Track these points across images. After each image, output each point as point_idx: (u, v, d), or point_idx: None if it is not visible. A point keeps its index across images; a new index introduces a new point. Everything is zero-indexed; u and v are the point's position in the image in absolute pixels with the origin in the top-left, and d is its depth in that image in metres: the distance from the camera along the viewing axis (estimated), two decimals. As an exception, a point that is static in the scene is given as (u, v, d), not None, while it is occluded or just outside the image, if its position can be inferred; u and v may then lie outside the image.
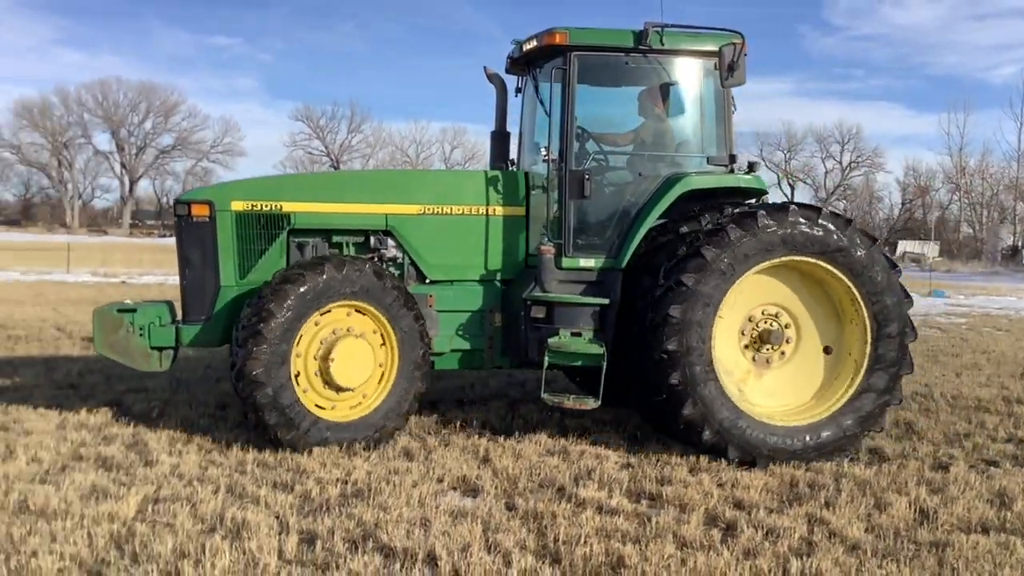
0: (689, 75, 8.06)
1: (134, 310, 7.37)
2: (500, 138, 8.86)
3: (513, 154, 8.93)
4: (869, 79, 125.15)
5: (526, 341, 7.70)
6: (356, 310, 7.18)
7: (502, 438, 7.56)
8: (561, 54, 7.71)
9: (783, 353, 7.45)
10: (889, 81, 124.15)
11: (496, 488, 6.22)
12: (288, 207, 7.66)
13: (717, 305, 6.99)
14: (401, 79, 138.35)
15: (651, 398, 7.22)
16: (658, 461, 6.95)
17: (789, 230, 7.03)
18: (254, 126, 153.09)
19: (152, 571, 4.50)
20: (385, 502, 5.78)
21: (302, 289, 6.84)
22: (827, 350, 7.45)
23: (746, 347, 7.42)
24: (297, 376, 6.97)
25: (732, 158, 7.94)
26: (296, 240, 7.81)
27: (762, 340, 7.38)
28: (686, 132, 8.31)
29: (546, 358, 7.39)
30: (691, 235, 7.17)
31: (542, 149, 7.97)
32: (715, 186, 7.73)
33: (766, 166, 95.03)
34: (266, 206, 7.61)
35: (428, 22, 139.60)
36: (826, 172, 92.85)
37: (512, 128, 8.94)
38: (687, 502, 6.00)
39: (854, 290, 7.18)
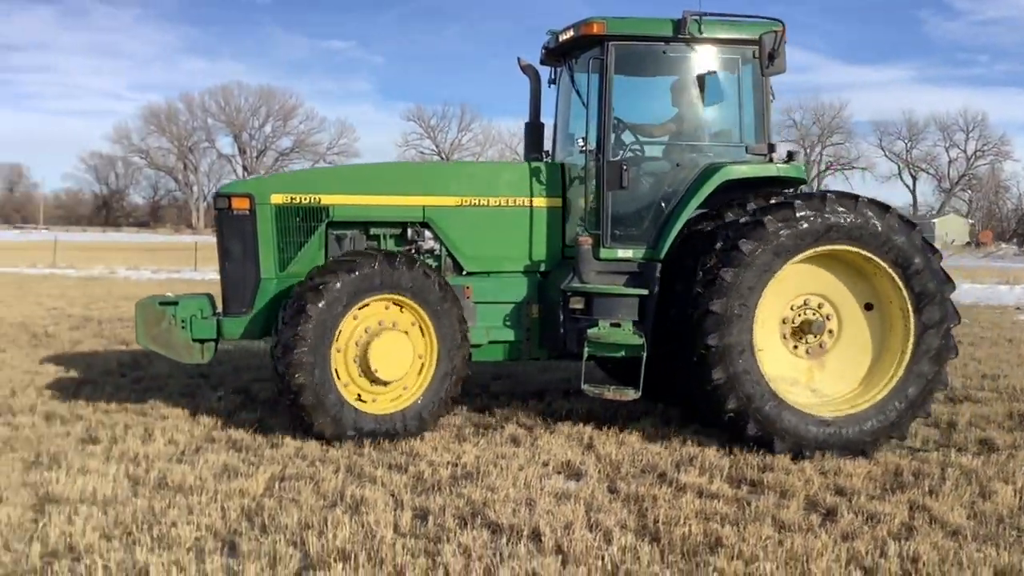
0: (728, 64, 7.99)
1: (176, 303, 7.50)
2: (534, 129, 8.86)
3: (548, 145, 8.94)
4: (994, 64, 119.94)
5: (564, 332, 7.70)
6: (394, 303, 7.25)
7: (606, 426, 7.76)
8: (598, 44, 7.69)
9: (824, 343, 7.43)
10: (1016, 66, 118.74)
11: (599, 472, 6.45)
12: (327, 199, 7.77)
13: (757, 298, 6.99)
14: (509, 77, 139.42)
15: (694, 392, 7.28)
16: (760, 450, 7.03)
17: (827, 219, 7.01)
18: (368, 127, 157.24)
19: (279, 540, 4.87)
20: (493, 483, 6.06)
21: (338, 285, 6.95)
22: (868, 306, 7.44)
23: (787, 337, 7.42)
24: (337, 371, 7.09)
25: (771, 147, 7.87)
26: (335, 232, 7.92)
27: (803, 330, 7.37)
28: (725, 121, 8.22)
29: (585, 349, 7.44)
30: (729, 227, 7.14)
31: (578, 140, 7.88)
32: (753, 176, 7.67)
33: (886, 156, 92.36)
34: (305, 199, 7.72)
35: (535, 21, 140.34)
36: (950, 161, 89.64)
37: (546, 119, 8.96)
38: (787, 488, 6.11)
39: (894, 276, 7.13)
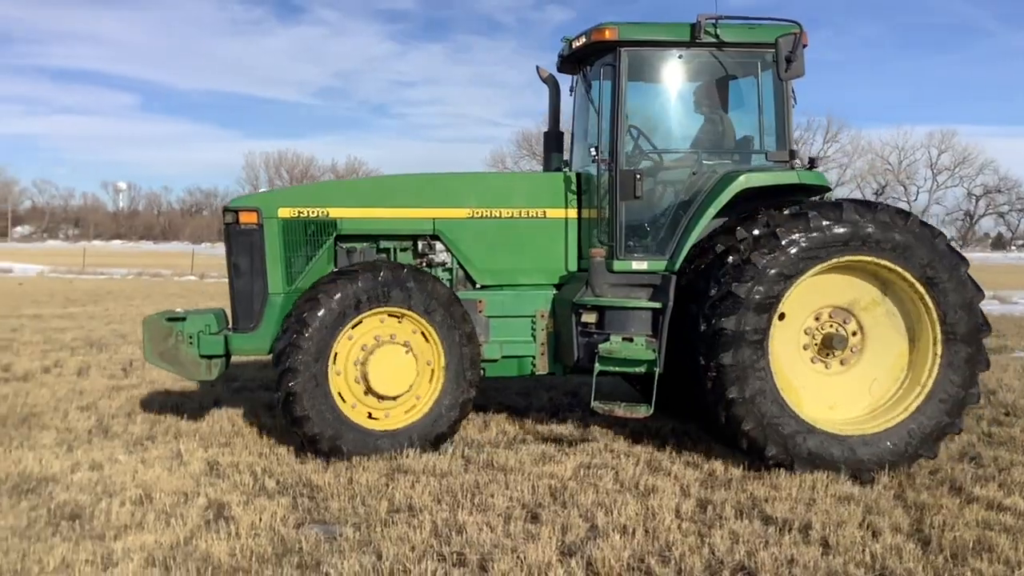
0: (746, 68, 7.81)
1: (183, 319, 7.44)
2: (554, 139, 8.68)
3: (567, 155, 8.77)
4: None
5: (577, 347, 7.50)
6: (390, 315, 7.18)
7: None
8: (611, 50, 7.51)
9: (846, 360, 7.19)
10: None
11: (891, 481, 6.58)
12: (335, 213, 7.71)
13: (772, 313, 6.76)
14: (881, 82, 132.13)
15: (709, 410, 7.01)
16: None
17: (844, 229, 6.74)
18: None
19: (573, 514, 5.68)
20: (779, 483, 6.46)
21: (327, 309, 6.89)
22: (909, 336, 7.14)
23: (807, 350, 7.20)
24: (340, 394, 7.03)
25: (792, 154, 7.60)
26: (344, 246, 7.89)
27: (826, 345, 7.12)
28: (744, 128, 7.94)
29: (596, 364, 7.24)
30: (743, 240, 6.89)
31: (591, 149, 7.74)
32: (772, 183, 7.33)
33: None
34: (313, 212, 7.66)
35: (913, 19, 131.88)
36: None
37: (565, 128, 8.79)
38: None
39: (919, 287, 6.85)
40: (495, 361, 7.77)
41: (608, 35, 7.39)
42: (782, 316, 6.91)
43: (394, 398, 7.13)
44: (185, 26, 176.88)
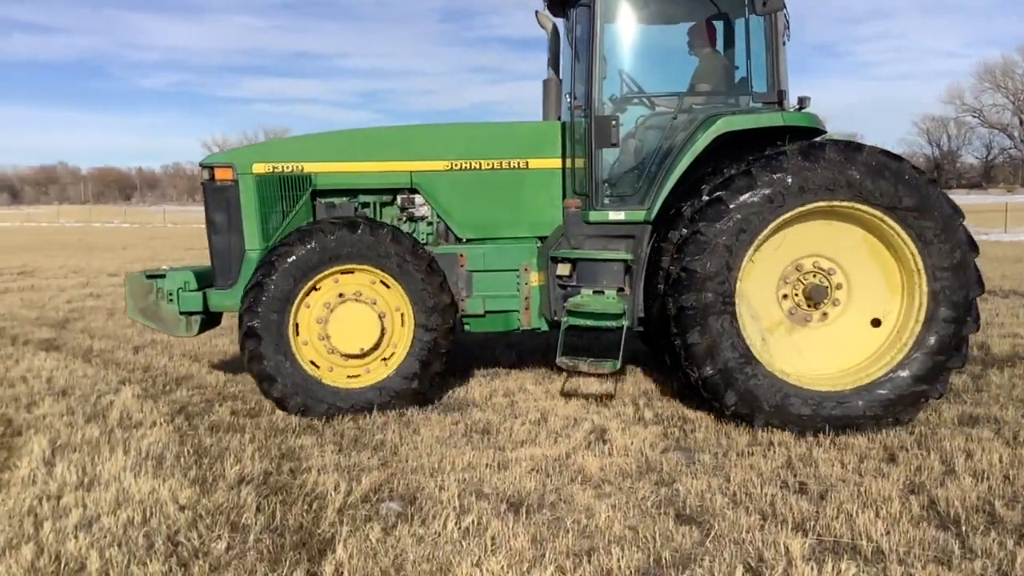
0: (731, 5, 7.31)
1: (163, 276, 7.48)
2: (553, 87, 7.92)
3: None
4: None
5: (552, 300, 7.31)
6: (342, 274, 6.99)
7: None
8: None
9: (828, 313, 6.73)
10: None
11: None
12: (310, 168, 7.58)
13: (742, 258, 6.32)
14: None
15: (672, 356, 6.70)
16: None
17: (824, 172, 6.24)
18: None
19: (932, 458, 5.78)
20: None
21: (270, 294, 6.80)
22: (875, 323, 6.68)
23: (787, 299, 6.74)
24: (313, 362, 6.99)
25: (781, 94, 7.03)
26: (323, 201, 7.71)
27: (807, 297, 6.66)
28: (740, 69, 7.39)
29: (564, 318, 6.98)
30: (714, 182, 6.44)
31: (566, 96, 7.47)
32: (755, 126, 6.76)
33: None
34: (288, 167, 7.55)
35: None
36: None
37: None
38: None
39: (905, 236, 6.32)
40: (479, 316, 7.63)
41: None
42: (754, 263, 6.52)
43: (365, 354, 7.06)
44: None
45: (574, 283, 7.26)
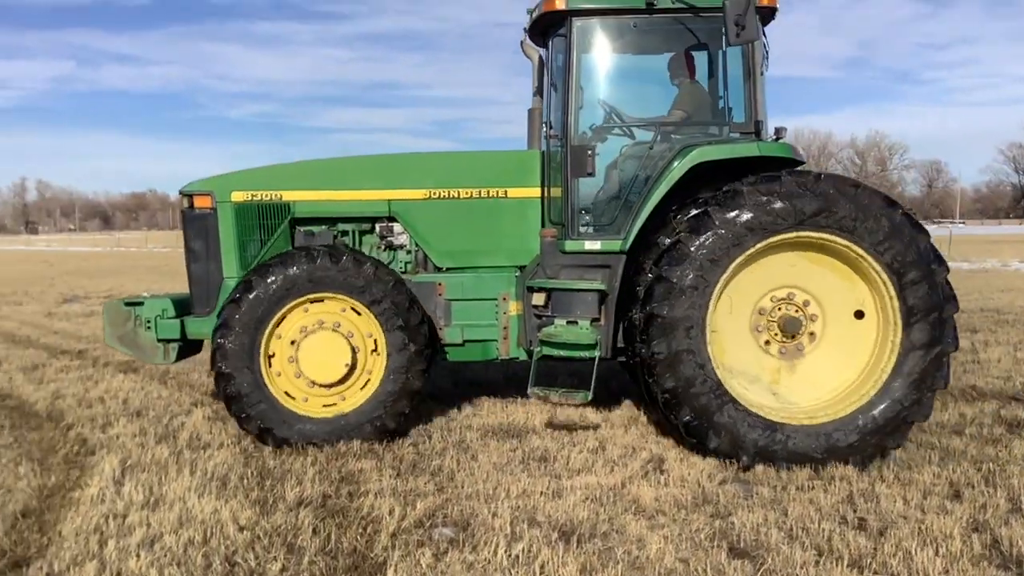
0: (708, 35, 7.21)
1: (141, 303, 7.48)
2: (537, 116, 7.76)
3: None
4: None
5: (528, 330, 7.29)
6: (312, 303, 6.94)
7: None
8: (563, 20, 7.05)
9: (803, 346, 6.64)
10: None
11: None
12: (288, 196, 7.55)
13: (709, 297, 6.26)
14: None
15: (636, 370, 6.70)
16: None
17: (782, 205, 6.18)
18: None
19: (998, 495, 5.62)
20: None
21: (238, 327, 6.77)
22: (859, 314, 6.52)
23: (761, 332, 6.65)
24: (288, 393, 6.95)
25: (758, 125, 6.92)
26: (302, 230, 7.70)
27: (782, 329, 6.58)
28: (699, 100, 7.41)
29: (537, 348, 7.02)
30: (681, 220, 6.41)
31: (543, 125, 7.43)
32: (730, 156, 6.67)
33: None
34: (266, 196, 7.54)
35: None
36: None
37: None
38: None
39: (872, 262, 6.26)
40: (458, 345, 7.55)
41: (558, 4, 7.06)
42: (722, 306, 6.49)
43: (338, 383, 7.01)
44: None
45: (549, 313, 7.21)
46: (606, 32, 7.25)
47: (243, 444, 7.05)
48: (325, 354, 6.89)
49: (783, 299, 6.63)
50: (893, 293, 6.29)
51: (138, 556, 4.72)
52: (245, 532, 5.09)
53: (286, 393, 6.96)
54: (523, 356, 7.57)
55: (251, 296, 6.80)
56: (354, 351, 6.96)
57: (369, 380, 7.04)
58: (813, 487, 5.93)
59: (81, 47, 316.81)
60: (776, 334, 6.65)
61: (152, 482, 5.98)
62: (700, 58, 7.58)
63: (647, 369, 6.43)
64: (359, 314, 6.99)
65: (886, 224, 6.25)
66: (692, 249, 6.24)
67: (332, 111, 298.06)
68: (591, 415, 8.02)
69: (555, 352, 7.07)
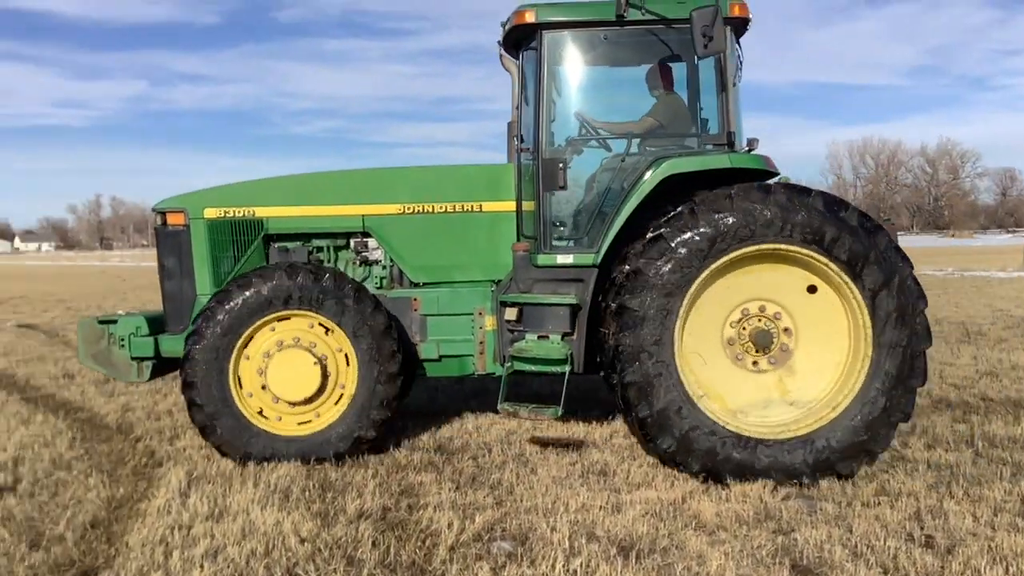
0: (677, 46, 7.11)
1: (115, 321, 7.42)
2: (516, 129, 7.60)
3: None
4: None
5: (502, 345, 7.23)
6: (280, 319, 6.88)
7: None
8: (533, 34, 7.00)
9: (775, 359, 6.50)
10: None
11: None
12: (261, 212, 7.54)
13: (672, 325, 6.21)
14: None
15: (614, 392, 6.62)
16: None
17: (738, 219, 6.13)
18: None
19: None
20: None
21: (204, 352, 6.73)
22: (811, 289, 6.43)
23: (733, 345, 6.52)
24: (261, 412, 6.90)
25: (730, 136, 6.85)
26: (276, 246, 7.68)
27: (753, 341, 6.46)
28: (675, 111, 7.34)
29: (507, 364, 7.02)
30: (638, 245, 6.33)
31: (515, 138, 7.32)
32: (701, 168, 6.56)
33: None
34: (239, 212, 7.52)
35: None
36: None
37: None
38: None
39: (852, 286, 6.21)
40: (434, 361, 7.47)
41: (528, 18, 7.00)
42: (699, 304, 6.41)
43: (310, 400, 6.93)
44: (777, 21, 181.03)
45: (521, 328, 7.12)
46: (577, 45, 7.19)
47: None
48: (292, 372, 6.82)
49: (755, 313, 6.52)
50: (867, 320, 6.22)
51: (202, 567, 4.81)
52: (306, 544, 5.15)
53: (260, 413, 6.92)
54: (499, 371, 7.42)
55: (213, 321, 6.77)
56: (324, 366, 6.90)
57: (342, 395, 6.97)
58: (879, 503, 5.81)
59: (155, 67, 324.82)
60: (748, 346, 6.52)
61: (217, 494, 6.08)
62: (679, 69, 7.52)
63: (620, 395, 6.42)
64: (327, 329, 6.94)
65: (844, 228, 6.16)
66: (651, 275, 6.21)
67: (398, 126, 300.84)
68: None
69: (526, 367, 7.03)
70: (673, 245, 6.19)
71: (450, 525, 5.43)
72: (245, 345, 6.86)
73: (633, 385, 6.25)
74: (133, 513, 5.80)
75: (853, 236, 6.15)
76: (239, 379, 6.86)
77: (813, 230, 6.14)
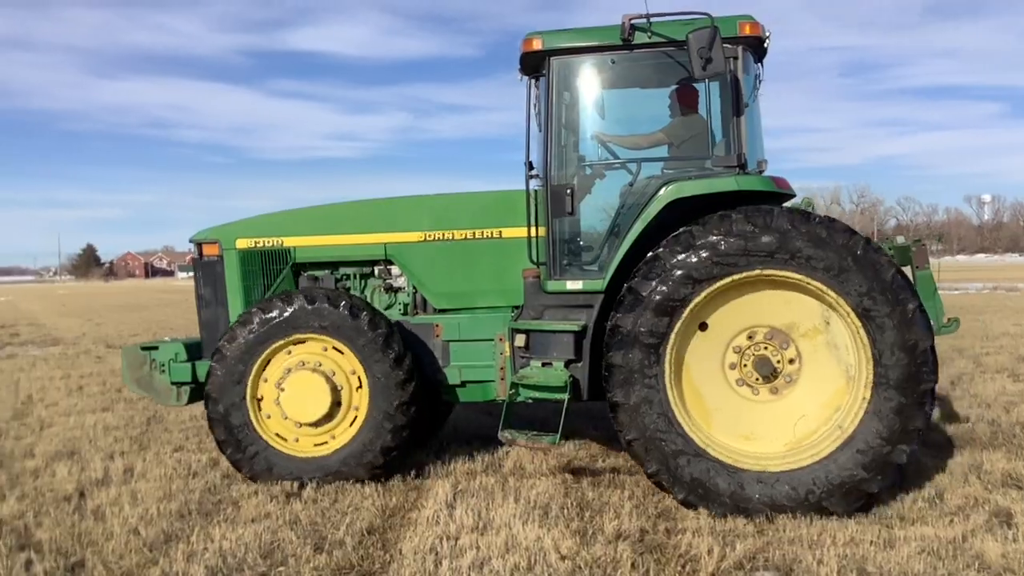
0: (684, 71, 6.72)
1: (156, 347, 7.71)
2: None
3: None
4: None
5: (513, 372, 7.12)
6: (296, 343, 7.11)
7: None
8: (541, 60, 6.96)
9: (777, 389, 6.29)
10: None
11: None
12: (289, 242, 7.81)
13: (672, 317, 6.09)
14: None
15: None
16: None
17: (737, 243, 5.97)
18: None
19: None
20: None
21: (222, 379, 7.02)
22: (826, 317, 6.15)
23: (734, 370, 6.33)
24: (279, 435, 7.11)
25: (740, 158, 6.56)
26: (305, 274, 7.93)
27: (755, 369, 6.26)
28: (691, 132, 7.07)
29: (510, 391, 7.03)
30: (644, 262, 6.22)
31: (525, 164, 7.14)
32: (706, 191, 6.38)
33: None
34: (269, 242, 7.82)
35: None
36: None
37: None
38: None
39: (854, 318, 5.92)
40: (458, 386, 7.43)
41: (536, 45, 6.96)
42: (703, 326, 6.32)
43: (322, 420, 7.02)
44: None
45: (528, 355, 7.01)
46: (585, 70, 7.14)
47: (563, 475, 7.29)
48: (304, 394, 6.98)
49: (763, 339, 6.36)
50: (869, 354, 5.98)
51: (470, 577, 5.02)
52: (567, 561, 5.25)
53: (278, 435, 7.14)
54: (518, 397, 7.32)
55: (231, 346, 7.07)
56: (336, 389, 7.04)
57: (356, 417, 7.10)
58: None
59: (418, 99, 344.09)
60: (750, 373, 6.36)
61: (480, 507, 6.33)
62: (703, 90, 7.22)
63: (612, 416, 6.33)
64: (341, 352, 7.08)
65: (847, 256, 5.95)
66: (645, 295, 6.14)
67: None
68: (927, 459, 7.45)
69: (528, 394, 6.99)
70: (668, 266, 6.14)
71: (710, 551, 5.35)
72: (264, 367, 7.14)
73: (621, 407, 6.21)
74: (405, 522, 6.15)
75: (856, 266, 5.94)
76: (258, 401, 7.16)
77: (813, 258, 5.98)
